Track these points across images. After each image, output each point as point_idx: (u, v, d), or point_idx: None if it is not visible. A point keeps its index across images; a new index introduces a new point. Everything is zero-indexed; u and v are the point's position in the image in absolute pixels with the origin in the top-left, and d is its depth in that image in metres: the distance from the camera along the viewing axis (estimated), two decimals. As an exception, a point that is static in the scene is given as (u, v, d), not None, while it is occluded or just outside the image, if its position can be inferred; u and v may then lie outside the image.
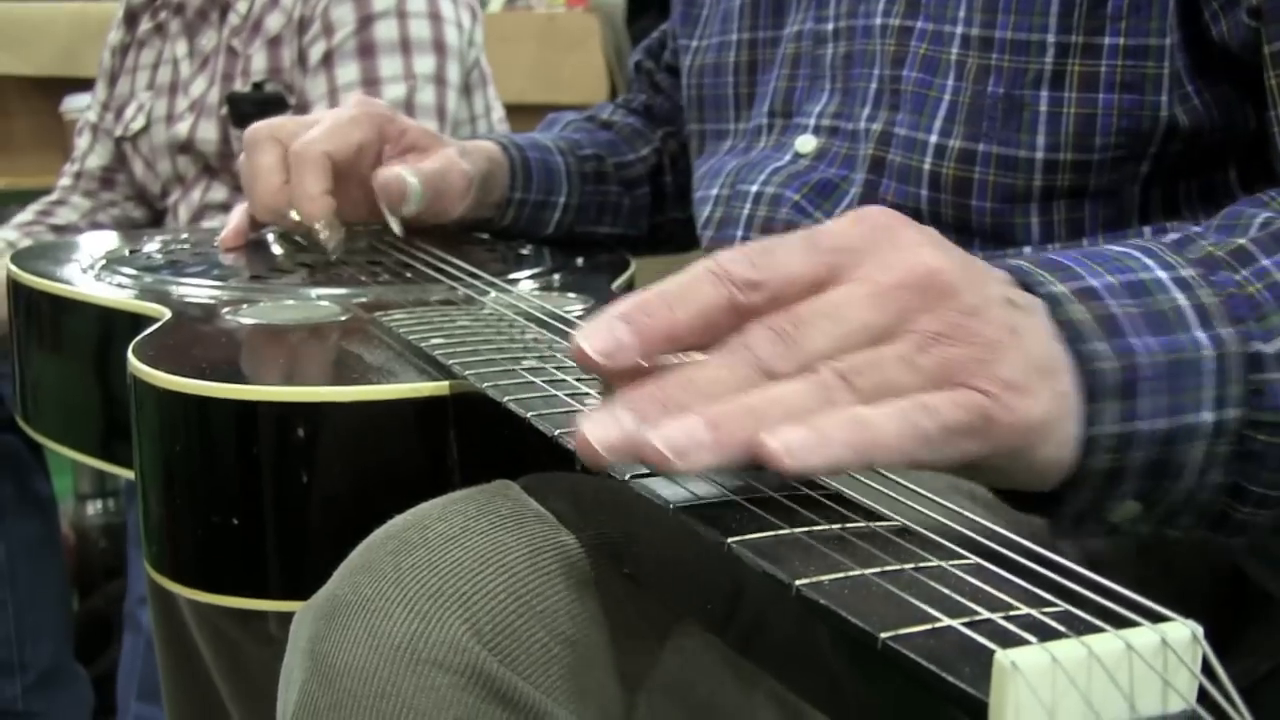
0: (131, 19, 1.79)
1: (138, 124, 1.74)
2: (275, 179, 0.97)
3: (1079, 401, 0.52)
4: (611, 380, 0.49)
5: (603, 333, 0.47)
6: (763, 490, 0.47)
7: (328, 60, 1.58)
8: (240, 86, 1.63)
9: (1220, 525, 0.59)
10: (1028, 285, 0.54)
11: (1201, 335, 0.54)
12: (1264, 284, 0.57)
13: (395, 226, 1.00)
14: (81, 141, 1.83)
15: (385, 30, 1.58)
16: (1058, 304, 0.53)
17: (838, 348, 0.48)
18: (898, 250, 0.50)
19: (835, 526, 0.44)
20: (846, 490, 0.47)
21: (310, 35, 1.60)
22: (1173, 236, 0.61)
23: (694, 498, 0.46)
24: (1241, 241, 0.59)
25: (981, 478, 0.54)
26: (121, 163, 1.80)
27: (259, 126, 0.99)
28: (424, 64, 1.59)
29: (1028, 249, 0.80)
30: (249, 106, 1.61)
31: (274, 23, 1.63)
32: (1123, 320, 0.53)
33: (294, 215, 0.98)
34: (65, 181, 1.83)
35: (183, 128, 1.67)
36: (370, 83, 1.57)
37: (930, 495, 0.47)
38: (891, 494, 0.48)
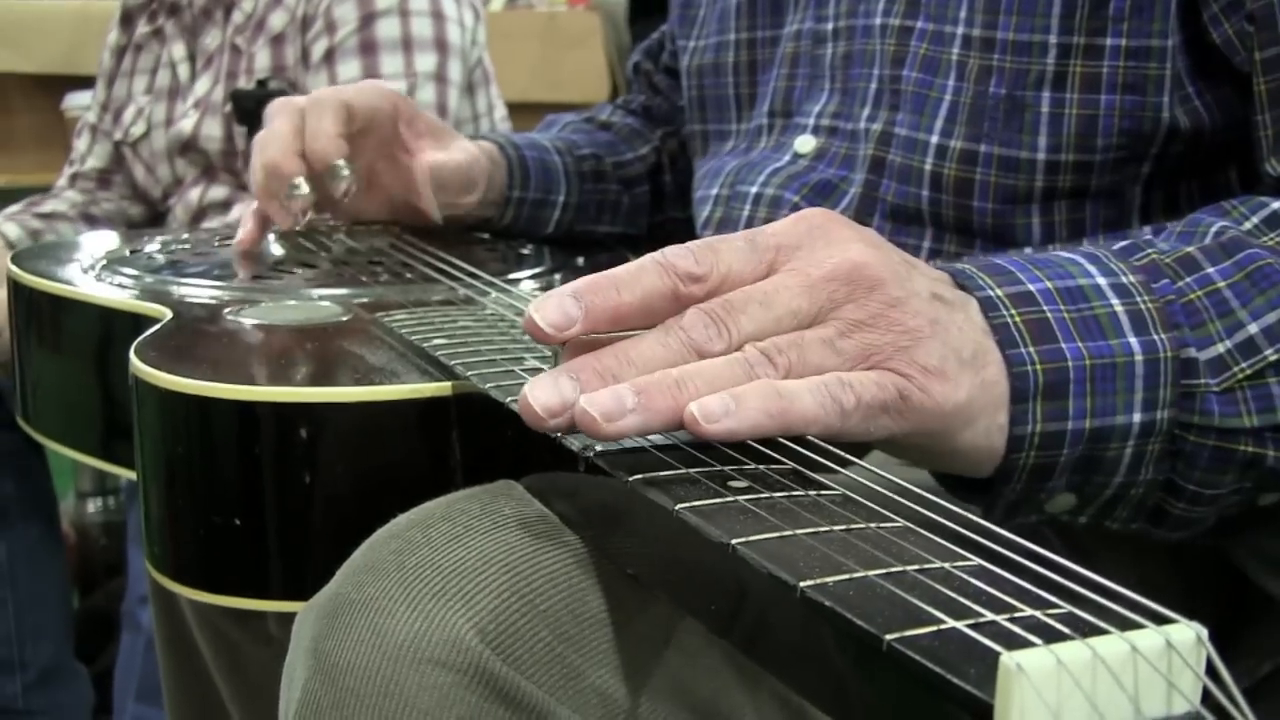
0: (128, 20, 1.79)
1: (138, 129, 1.74)
2: (289, 144, 0.97)
3: (1006, 395, 0.56)
4: (559, 351, 0.53)
5: (554, 307, 0.52)
6: (766, 492, 0.47)
7: (329, 57, 1.58)
8: (244, 84, 1.63)
9: (1159, 519, 0.63)
10: (965, 287, 0.57)
11: (1133, 340, 0.58)
12: (1205, 291, 0.60)
13: (434, 213, 1.05)
14: (80, 143, 1.83)
15: (387, 28, 1.59)
16: (992, 306, 0.57)
17: (765, 331, 0.52)
18: (830, 246, 0.54)
19: (839, 528, 0.44)
20: (851, 492, 0.47)
21: (313, 33, 1.60)
22: (1122, 243, 0.64)
23: (698, 498, 0.46)
24: (1190, 250, 0.62)
25: (906, 456, 0.58)
26: (119, 164, 1.80)
27: (281, 100, 1.00)
28: (425, 62, 1.60)
29: (1029, 250, 0.80)
30: (252, 103, 1.61)
31: (277, 21, 1.63)
32: (1054, 325, 0.57)
33: (297, 187, 0.97)
34: (61, 182, 1.83)
35: (186, 125, 1.67)
36: (371, 80, 1.57)
37: (933, 497, 0.47)
38: (895, 495, 0.48)
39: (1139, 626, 0.36)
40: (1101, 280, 0.59)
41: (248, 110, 1.61)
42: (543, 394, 0.50)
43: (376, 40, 1.58)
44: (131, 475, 0.77)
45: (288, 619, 0.61)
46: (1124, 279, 0.60)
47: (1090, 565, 0.40)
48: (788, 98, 0.96)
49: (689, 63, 1.06)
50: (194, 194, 1.69)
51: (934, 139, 0.82)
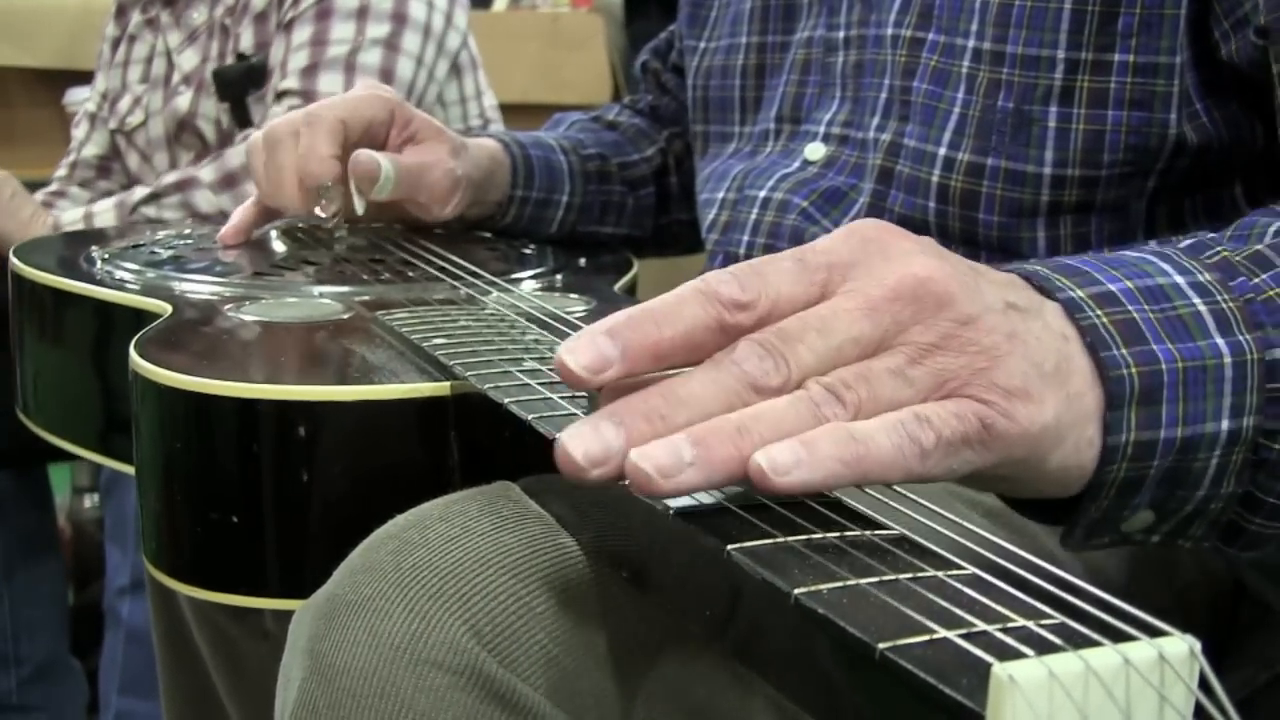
0: (122, 12, 1.80)
1: (135, 119, 1.75)
2: (292, 171, 0.98)
3: (1097, 405, 0.51)
4: (597, 396, 0.48)
5: (587, 347, 0.46)
6: (762, 499, 0.47)
7: (289, 26, 1.61)
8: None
9: (1232, 537, 0.58)
10: (1044, 289, 0.53)
11: (1220, 341, 0.53)
12: None
13: (359, 204, 0.99)
14: (79, 131, 1.84)
15: None
16: (1077, 309, 0.52)
17: (827, 362, 0.47)
18: (889, 261, 0.49)
19: (833, 535, 0.44)
20: (845, 499, 0.47)
21: (285, 6, 1.64)
22: (1186, 241, 0.60)
23: (693, 503, 0.47)
24: (1259, 247, 0.58)
25: (993, 488, 0.54)
26: (116, 153, 1.81)
27: (278, 124, 1.00)
28: (377, 29, 1.62)
29: (1034, 262, 0.80)
30: (234, 75, 1.64)
31: (259, 0, 1.66)
32: (1143, 325, 0.53)
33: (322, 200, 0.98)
34: (61, 172, 1.83)
35: (182, 102, 1.68)
36: (318, 43, 1.60)
37: (927, 504, 0.47)
38: (889, 502, 0.48)
39: (1132, 638, 0.36)
40: (1180, 279, 0.55)
41: (229, 83, 1.64)
42: (583, 442, 0.45)
43: (333, 7, 1.61)
44: (130, 470, 0.77)
45: (285, 614, 0.61)
46: (1200, 277, 0.55)
47: (1082, 574, 0.40)
48: (797, 104, 0.96)
49: (697, 63, 1.06)
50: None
51: (942, 151, 0.82)
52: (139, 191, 1.56)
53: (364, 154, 0.98)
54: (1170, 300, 0.54)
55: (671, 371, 0.47)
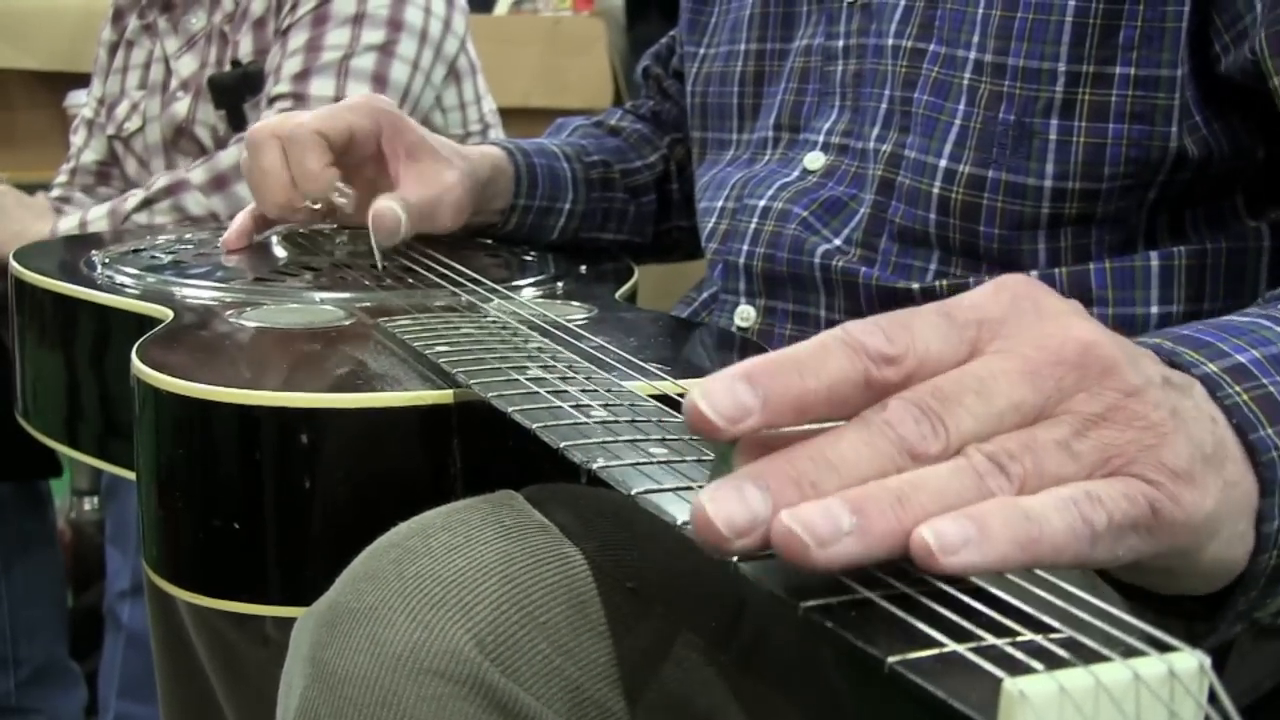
0: (119, 16, 1.80)
1: (133, 124, 1.75)
2: (283, 174, 0.97)
3: (1250, 494, 0.48)
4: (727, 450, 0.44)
5: (724, 393, 0.41)
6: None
7: (286, 31, 1.61)
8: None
9: None
10: (1175, 364, 0.50)
11: None
12: None
13: (378, 258, 0.98)
14: (77, 138, 1.83)
15: (343, 5, 1.62)
16: (1217, 386, 0.49)
17: (987, 428, 0.43)
18: (1044, 321, 0.45)
19: (840, 546, 0.44)
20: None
21: (283, 13, 1.64)
22: None
23: None
24: None
25: (1146, 581, 0.51)
26: (115, 159, 1.80)
27: (259, 127, 0.99)
28: (372, 35, 1.62)
29: (1034, 273, 0.81)
30: (231, 81, 1.64)
31: (257, 6, 1.67)
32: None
33: (309, 204, 0.98)
34: (61, 179, 1.83)
35: (180, 107, 1.68)
36: (312, 49, 1.59)
37: None
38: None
39: (1141, 653, 0.36)
40: None
41: (225, 89, 1.64)
42: (726, 508, 0.40)
43: (329, 14, 1.61)
44: (130, 475, 0.76)
45: (285, 621, 0.61)
46: None
47: (1082, 585, 0.40)
48: (795, 112, 0.96)
49: (696, 69, 1.06)
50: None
51: (943, 163, 0.82)
52: (131, 199, 1.56)
53: (382, 208, 0.97)
54: None
55: (813, 427, 0.43)
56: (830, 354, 0.43)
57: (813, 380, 0.42)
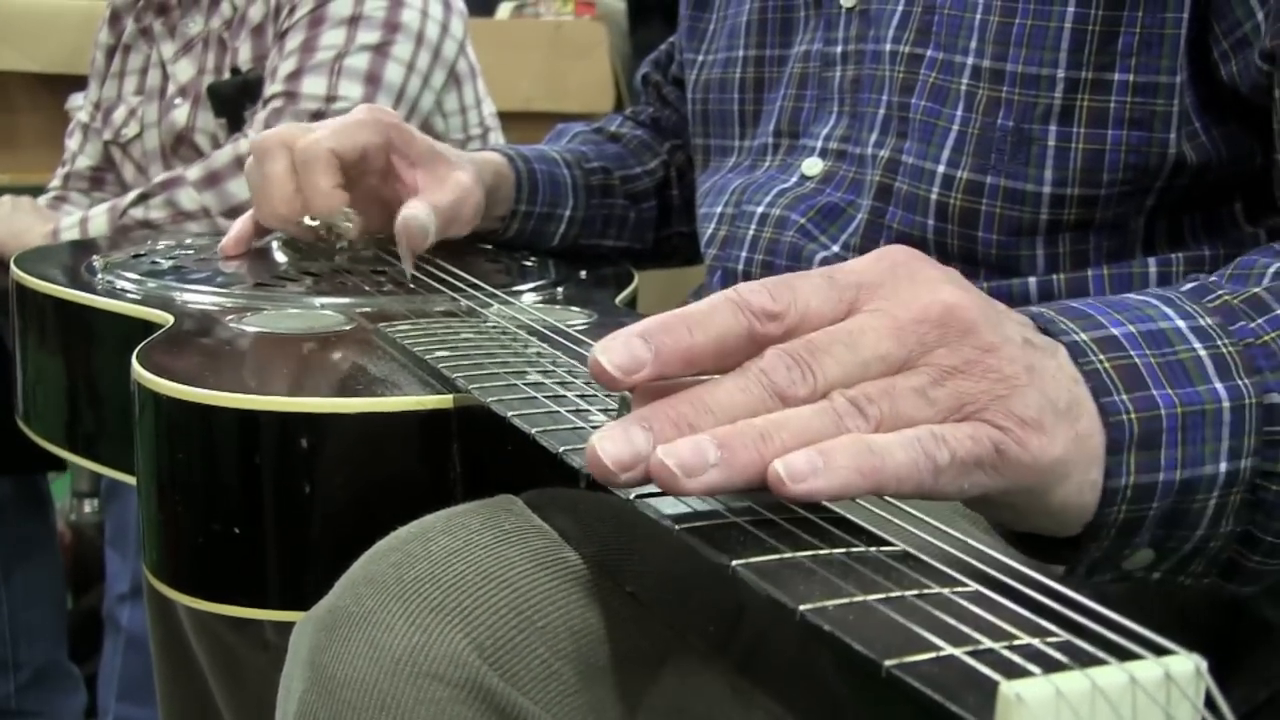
0: (116, 19, 1.79)
1: (131, 130, 1.74)
2: (288, 185, 0.97)
3: (1102, 448, 0.53)
4: (628, 397, 0.49)
5: (621, 348, 0.47)
6: (765, 513, 0.47)
7: (284, 35, 1.62)
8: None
9: (1231, 573, 0.60)
10: (1049, 331, 0.54)
11: (1219, 387, 0.55)
12: (1278, 333, 0.57)
13: (408, 266, 0.98)
14: (72, 142, 1.83)
15: (339, 7, 1.62)
16: (1081, 353, 0.54)
17: (852, 376, 0.48)
18: (916, 285, 0.50)
19: (838, 551, 0.44)
20: (849, 514, 0.47)
21: (281, 19, 1.64)
22: (1188, 285, 0.62)
23: (697, 517, 0.47)
24: (1256, 290, 0.59)
25: (998, 515, 0.55)
26: (110, 164, 1.80)
27: (268, 135, 0.99)
28: (367, 37, 1.62)
29: (1033, 279, 0.81)
30: (230, 91, 1.64)
31: (256, 12, 1.67)
32: (1144, 371, 0.54)
33: (307, 220, 0.97)
34: (56, 183, 1.82)
35: (179, 115, 1.68)
36: (307, 50, 1.60)
37: (931, 520, 0.47)
38: (893, 518, 0.48)
39: (1137, 657, 0.36)
40: (1181, 323, 0.57)
41: (225, 98, 1.64)
42: (613, 446, 0.46)
43: (326, 16, 1.61)
44: (130, 480, 0.77)
45: (285, 625, 0.61)
46: (1202, 321, 0.57)
47: (1083, 590, 0.40)
48: (794, 118, 0.96)
49: (696, 76, 1.06)
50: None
51: (941, 169, 0.82)
52: (130, 195, 1.56)
53: (411, 216, 0.96)
54: (1171, 345, 0.56)
55: (700, 377, 0.48)
56: (718, 311, 0.48)
57: (700, 335, 0.48)
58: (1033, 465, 0.49)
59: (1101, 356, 0.54)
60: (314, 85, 1.57)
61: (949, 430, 0.47)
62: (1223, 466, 0.55)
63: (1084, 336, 0.55)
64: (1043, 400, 0.50)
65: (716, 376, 0.48)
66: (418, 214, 0.96)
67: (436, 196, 0.98)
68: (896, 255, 0.52)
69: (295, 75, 1.58)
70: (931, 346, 0.49)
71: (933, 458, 0.46)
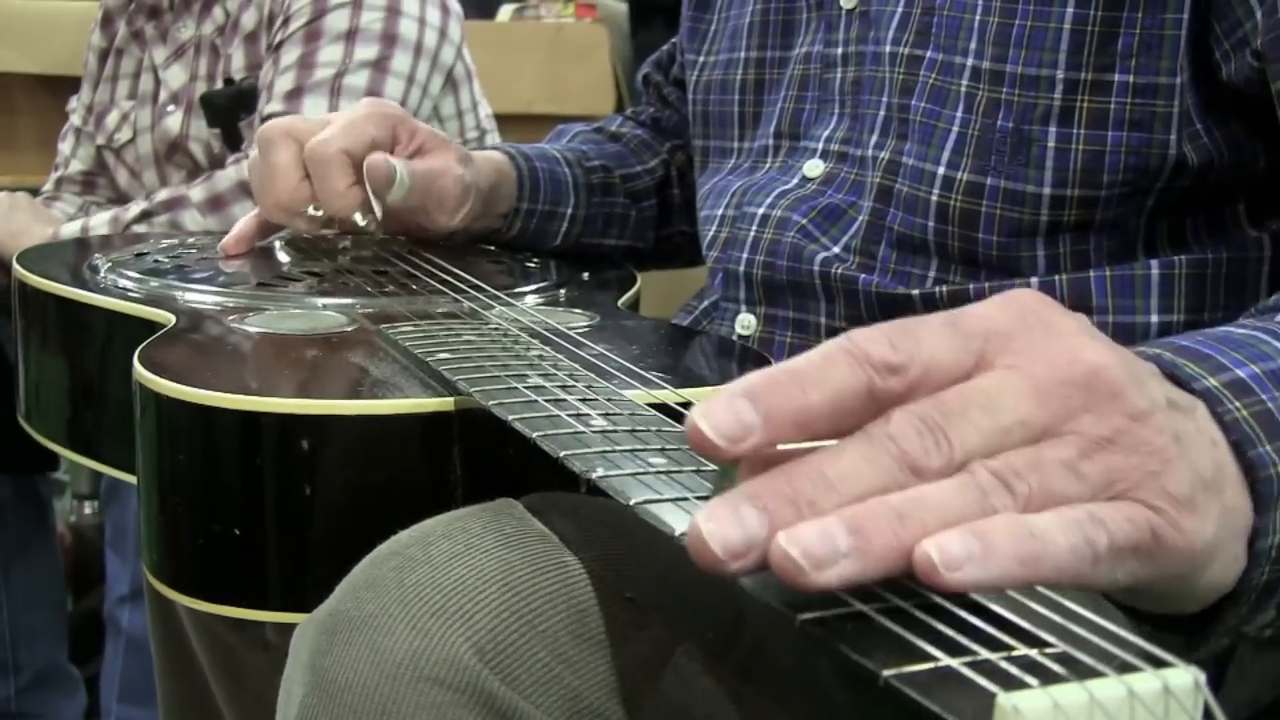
0: (108, 22, 1.78)
1: (123, 135, 1.74)
2: (293, 176, 0.98)
3: (1246, 518, 0.48)
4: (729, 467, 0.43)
5: (725, 412, 0.41)
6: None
7: (279, 48, 1.60)
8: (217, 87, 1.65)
9: None
10: (1177, 377, 0.50)
11: None
12: None
13: (377, 209, 0.99)
14: (65, 146, 1.82)
15: (336, 20, 1.60)
16: (1218, 402, 0.49)
17: (992, 445, 0.42)
18: (1053, 340, 0.44)
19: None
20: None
21: (275, 28, 1.63)
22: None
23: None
24: None
25: (1140, 603, 0.50)
26: (102, 168, 1.80)
27: (272, 125, 1.00)
28: (365, 52, 1.61)
29: (1034, 280, 0.81)
30: (223, 101, 1.63)
31: (249, 20, 1.65)
32: (1278, 415, 0.50)
33: (311, 210, 0.98)
34: (48, 187, 1.82)
35: (172, 124, 1.67)
36: (305, 66, 1.58)
37: None
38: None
39: (1135, 669, 0.36)
40: None
41: (219, 109, 1.63)
42: (720, 529, 0.39)
43: (322, 30, 1.60)
44: (131, 479, 0.77)
45: (285, 626, 0.61)
46: None
47: (1078, 599, 0.40)
48: (795, 120, 0.96)
49: (697, 77, 1.06)
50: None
51: (940, 170, 0.83)
52: (133, 209, 1.56)
53: (378, 158, 0.98)
54: None
55: (815, 444, 0.42)
56: (833, 365, 0.42)
57: (815, 394, 0.41)
58: (1188, 549, 0.44)
59: (1238, 404, 0.49)
60: (315, 106, 1.56)
61: (1107, 512, 0.42)
62: None
63: (1213, 381, 0.50)
64: (1194, 475, 0.44)
65: (833, 443, 0.42)
66: (383, 157, 0.98)
67: (417, 165, 1.00)
68: (1025, 301, 0.46)
69: (295, 94, 1.57)
70: (1077, 413, 0.43)
71: (1093, 544, 0.41)
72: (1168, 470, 0.43)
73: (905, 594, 0.41)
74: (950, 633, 0.38)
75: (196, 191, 1.56)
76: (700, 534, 0.40)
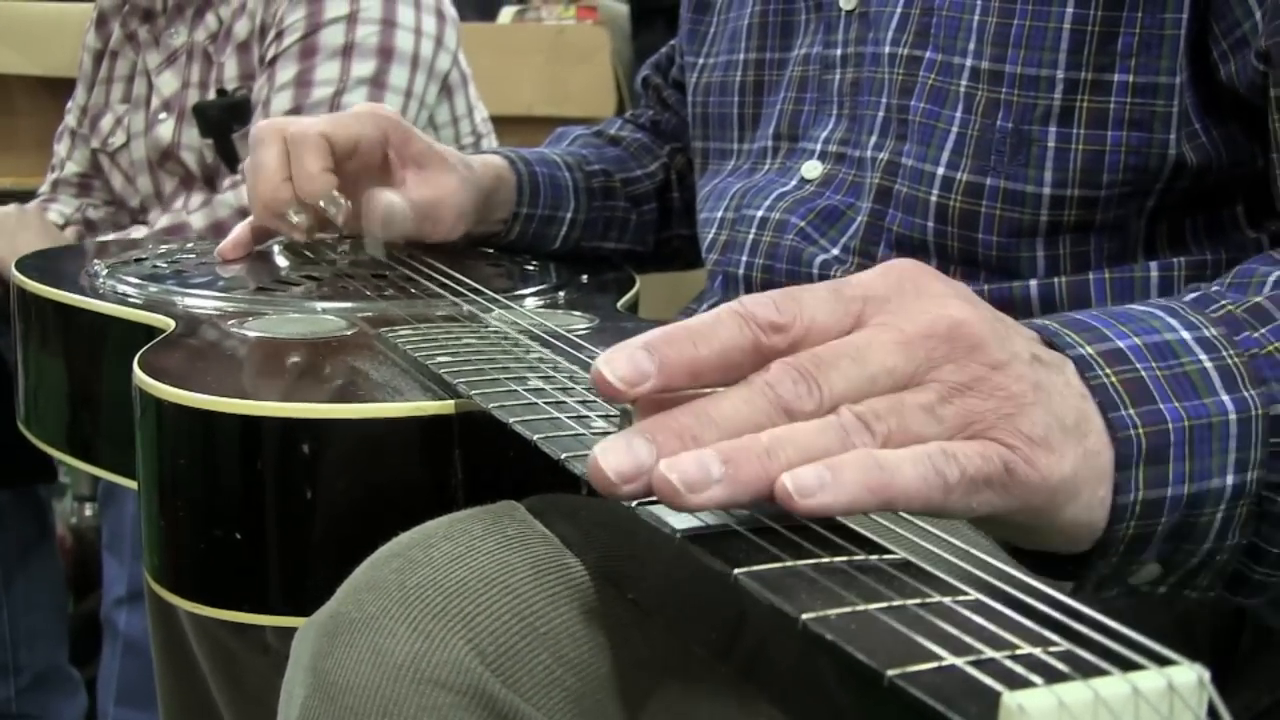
0: (103, 23, 1.78)
1: (117, 139, 1.73)
2: (278, 175, 0.98)
3: (1111, 465, 0.52)
4: (631, 409, 0.49)
5: (624, 360, 0.47)
6: (767, 521, 0.47)
7: (273, 62, 1.59)
8: (210, 96, 1.64)
9: (1238, 586, 0.59)
10: (1055, 345, 0.54)
11: (1225, 399, 0.55)
12: None
13: (378, 250, 0.99)
14: (60, 148, 1.82)
15: (331, 35, 1.59)
16: (1087, 366, 0.53)
17: (859, 391, 0.47)
18: (924, 300, 0.50)
19: (840, 559, 0.44)
20: (851, 523, 0.47)
21: (268, 40, 1.62)
22: (1191, 295, 0.61)
23: (700, 526, 0.47)
24: (1258, 300, 0.59)
25: (1006, 533, 0.55)
26: (98, 171, 1.79)
27: (265, 124, 1.00)
28: (362, 68, 1.60)
29: (1033, 282, 0.81)
30: (215, 112, 1.62)
31: (241, 29, 1.64)
32: (1150, 384, 0.54)
33: (292, 216, 0.98)
34: (45, 189, 1.82)
35: (164, 132, 1.67)
36: (302, 84, 1.58)
37: (933, 529, 0.47)
38: (893, 527, 0.48)
39: (1140, 667, 0.36)
40: (1186, 334, 0.57)
41: (212, 121, 1.62)
42: (614, 458, 0.45)
43: (318, 46, 1.59)
44: (131, 484, 0.77)
45: (286, 629, 0.61)
46: (1206, 332, 0.57)
47: (1084, 599, 0.40)
48: (794, 121, 0.96)
49: (696, 79, 1.06)
50: (178, 205, 1.68)
51: (940, 170, 0.82)
52: (134, 234, 1.56)
53: (379, 198, 0.98)
54: (1177, 357, 0.55)
55: (705, 390, 0.48)
56: (723, 324, 0.48)
57: (705, 347, 0.47)
58: (1042, 484, 0.49)
59: (1108, 370, 0.54)
60: None
61: (959, 448, 0.47)
62: (1230, 479, 0.55)
63: (1090, 350, 0.54)
64: (1050, 418, 0.49)
65: (721, 390, 0.48)
66: (385, 194, 0.99)
67: (414, 192, 1.00)
68: (904, 269, 0.51)
69: (293, 114, 1.56)
70: (939, 362, 0.48)
71: (943, 475, 0.46)
72: (1022, 412, 0.48)
73: (909, 593, 0.41)
74: (954, 631, 0.38)
75: (197, 218, 1.56)
76: (597, 462, 0.45)
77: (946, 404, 0.48)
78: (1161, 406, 0.54)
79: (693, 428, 0.46)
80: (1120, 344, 0.55)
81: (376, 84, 1.60)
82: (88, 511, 2.30)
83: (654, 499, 0.48)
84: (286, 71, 1.58)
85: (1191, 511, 0.55)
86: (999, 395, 0.48)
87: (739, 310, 0.48)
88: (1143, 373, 0.54)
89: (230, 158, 1.62)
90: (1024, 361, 0.50)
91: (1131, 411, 0.53)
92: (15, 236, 1.57)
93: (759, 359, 0.48)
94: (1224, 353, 0.56)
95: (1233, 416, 0.55)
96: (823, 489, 0.44)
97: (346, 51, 1.59)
